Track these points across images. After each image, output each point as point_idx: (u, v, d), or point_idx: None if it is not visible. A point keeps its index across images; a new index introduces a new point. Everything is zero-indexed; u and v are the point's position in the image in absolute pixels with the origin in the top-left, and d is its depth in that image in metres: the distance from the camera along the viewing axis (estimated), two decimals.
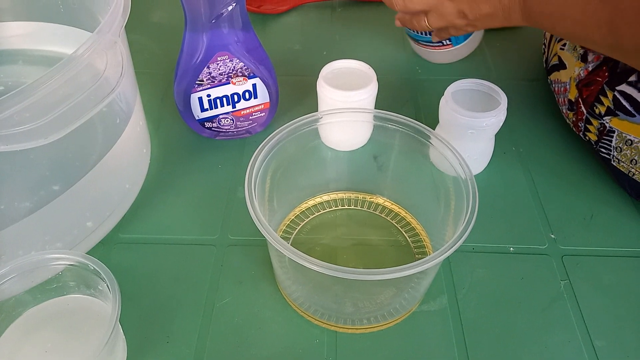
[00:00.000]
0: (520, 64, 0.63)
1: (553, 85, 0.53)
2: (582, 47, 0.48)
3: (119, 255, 0.43)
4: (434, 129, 0.43)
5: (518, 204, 0.48)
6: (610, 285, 0.42)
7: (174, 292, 0.41)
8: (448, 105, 0.45)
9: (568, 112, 0.50)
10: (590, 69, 0.46)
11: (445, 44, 0.58)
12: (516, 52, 0.64)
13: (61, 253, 0.36)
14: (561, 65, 0.51)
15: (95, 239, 0.43)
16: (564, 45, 0.51)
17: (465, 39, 0.59)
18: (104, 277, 0.35)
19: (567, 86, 0.49)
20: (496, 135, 0.48)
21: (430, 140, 0.40)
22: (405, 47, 0.65)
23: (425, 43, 0.59)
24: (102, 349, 0.32)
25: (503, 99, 0.45)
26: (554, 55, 0.52)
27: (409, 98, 0.58)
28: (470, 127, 0.44)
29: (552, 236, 0.45)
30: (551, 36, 0.54)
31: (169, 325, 0.39)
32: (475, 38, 0.60)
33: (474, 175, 0.38)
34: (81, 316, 0.38)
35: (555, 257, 0.44)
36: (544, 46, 0.57)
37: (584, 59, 0.47)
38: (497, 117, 0.44)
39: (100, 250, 0.43)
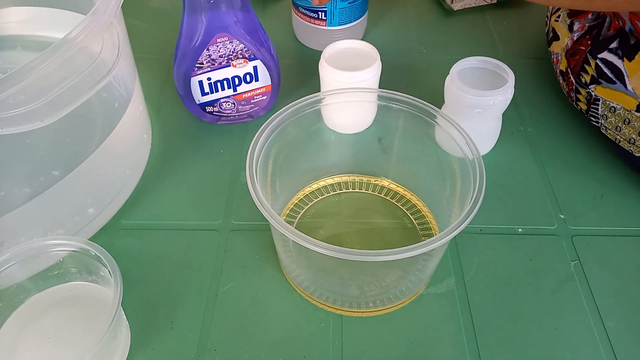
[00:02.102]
0: (528, 42, 0.61)
1: (552, 57, 0.52)
2: (570, 17, 0.48)
3: (121, 241, 0.43)
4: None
5: (526, 184, 0.47)
6: (622, 265, 0.41)
7: (178, 278, 0.41)
8: (454, 83, 0.44)
9: (563, 82, 0.50)
10: (575, 38, 0.46)
11: (320, 17, 0.56)
12: (523, 30, 0.63)
13: (62, 239, 0.36)
14: (555, 37, 0.51)
15: (98, 226, 0.43)
16: (558, 17, 0.51)
17: (339, 23, 0.57)
18: (106, 262, 0.34)
19: (559, 57, 0.49)
20: (503, 115, 0.47)
21: (436, 120, 0.39)
22: (410, 27, 0.63)
23: (304, 9, 0.56)
24: (104, 335, 0.31)
25: (510, 77, 0.44)
26: (551, 27, 0.52)
27: (414, 79, 0.57)
28: (477, 106, 0.43)
29: (562, 216, 0.44)
30: (552, 9, 0.54)
31: (173, 311, 0.39)
32: (356, 30, 0.58)
33: (481, 156, 0.37)
34: (83, 303, 0.37)
35: (565, 238, 0.43)
36: (546, 18, 0.56)
37: (570, 28, 0.47)
38: (504, 95, 0.43)
39: (102, 237, 0.43)
